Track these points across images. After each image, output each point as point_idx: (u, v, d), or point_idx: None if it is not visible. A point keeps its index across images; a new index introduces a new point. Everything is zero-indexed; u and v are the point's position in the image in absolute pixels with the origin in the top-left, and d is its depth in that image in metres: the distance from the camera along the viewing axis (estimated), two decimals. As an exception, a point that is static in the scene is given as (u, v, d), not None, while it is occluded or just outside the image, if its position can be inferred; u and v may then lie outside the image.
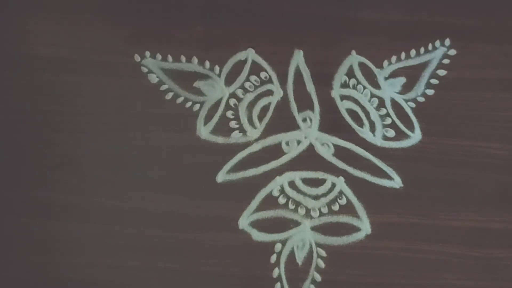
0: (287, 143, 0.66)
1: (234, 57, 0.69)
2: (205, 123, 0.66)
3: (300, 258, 0.61)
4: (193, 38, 0.70)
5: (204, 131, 0.66)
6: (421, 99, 0.68)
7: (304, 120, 0.67)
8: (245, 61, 0.69)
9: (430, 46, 0.70)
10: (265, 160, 0.65)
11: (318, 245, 0.61)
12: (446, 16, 0.71)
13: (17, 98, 0.67)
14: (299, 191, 0.64)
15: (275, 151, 0.65)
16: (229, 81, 0.68)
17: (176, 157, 0.64)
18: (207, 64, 0.69)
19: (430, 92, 0.68)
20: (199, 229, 0.61)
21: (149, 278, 0.60)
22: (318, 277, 0.60)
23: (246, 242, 0.61)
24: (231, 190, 0.63)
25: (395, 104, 0.68)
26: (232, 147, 0.65)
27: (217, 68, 0.69)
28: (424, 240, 0.61)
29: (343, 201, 0.63)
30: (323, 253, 0.61)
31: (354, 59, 0.69)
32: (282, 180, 0.64)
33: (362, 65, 0.69)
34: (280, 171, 0.64)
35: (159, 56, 0.69)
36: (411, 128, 0.66)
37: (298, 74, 0.69)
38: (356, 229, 0.62)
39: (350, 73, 0.69)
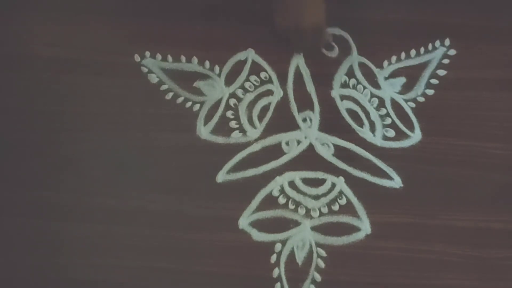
0: (287, 143, 0.65)
1: (234, 57, 0.69)
2: (205, 123, 0.66)
3: (300, 258, 0.61)
4: (193, 38, 0.70)
5: (204, 131, 0.66)
6: (421, 99, 0.68)
7: (304, 120, 0.67)
8: (245, 61, 0.69)
9: (430, 46, 0.70)
10: (265, 160, 0.64)
11: (318, 245, 0.61)
12: (446, 16, 0.71)
13: (17, 98, 0.67)
14: (299, 191, 0.63)
15: (275, 151, 0.65)
16: (229, 81, 0.68)
17: (176, 157, 0.64)
18: (207, 64, 0.69)
19: (430, 92, 0.68)
20: (199, 229, 0.61)
21: (149, 278, 0.60)
22: (318, 277, 0.60)
23: (246, 242, 0.61)
24: (231, 190, 0.63)
25: (395, 104, 0.68)
26: (232, 147, 0.65)
27: (217, 68, 0.69)
28: (424, 240, 0.61)
29: (343, 201, 0.63)
30: (323, 253, 0.61)
31: (354, 59, 0.69)
32: (282, 180, 0.64)
33: (362, 65, 0.69)
34: (280, 171, 0.64)
35: (159, 56, 0.69)
36: (411, 128, 0.66)
37: (298, 74, 0.69)
38: (356, 229, 0.62)
39: (350, 73, 0.69)
